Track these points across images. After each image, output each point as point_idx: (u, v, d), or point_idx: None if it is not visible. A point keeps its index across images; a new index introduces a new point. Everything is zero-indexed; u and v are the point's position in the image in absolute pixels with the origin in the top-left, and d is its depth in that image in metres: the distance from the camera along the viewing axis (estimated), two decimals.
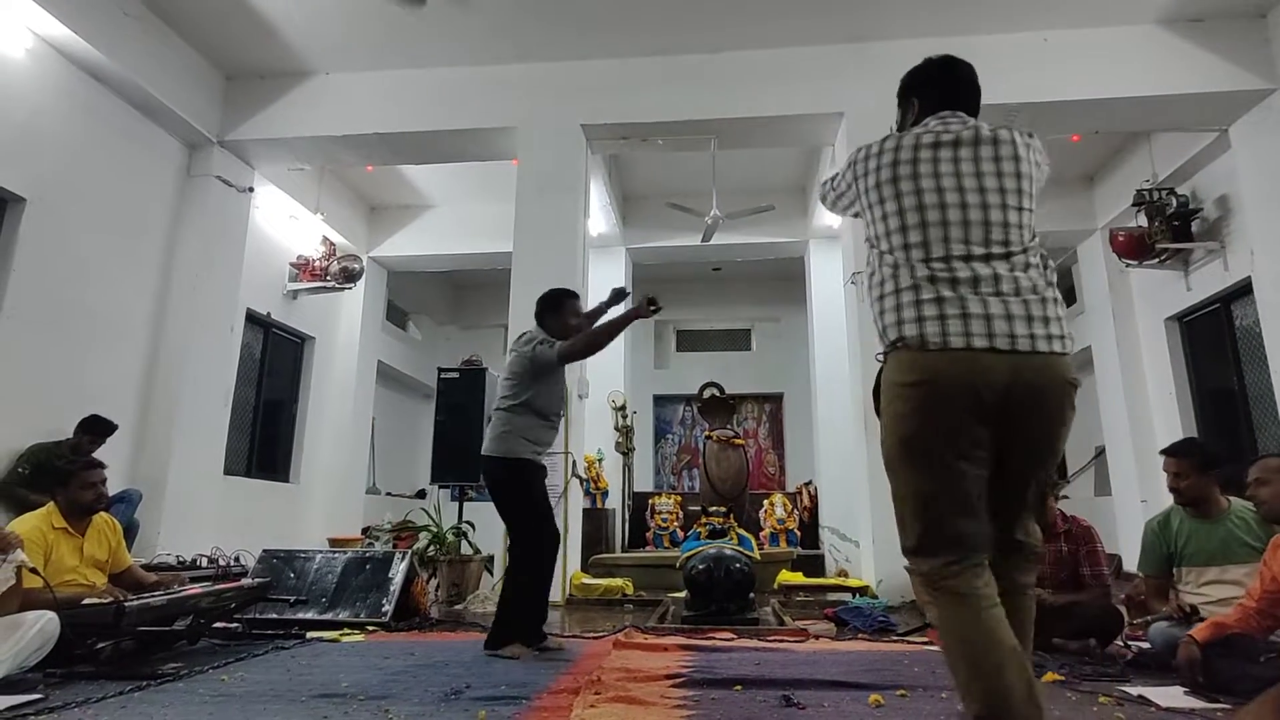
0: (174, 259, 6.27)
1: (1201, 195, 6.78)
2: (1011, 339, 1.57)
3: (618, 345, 9.09)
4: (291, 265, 7.83)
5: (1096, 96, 5.84)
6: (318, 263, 7.88)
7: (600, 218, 8.24)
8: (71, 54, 5.26)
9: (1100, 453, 8.76)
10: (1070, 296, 9.51)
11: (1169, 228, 6.66)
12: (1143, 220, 6.88)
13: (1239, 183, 6.07)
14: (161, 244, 6.20)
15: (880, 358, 1.74)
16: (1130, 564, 4.26)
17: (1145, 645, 3.02)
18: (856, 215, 1.94)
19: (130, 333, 5.88)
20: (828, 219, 8.19)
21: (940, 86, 1.92)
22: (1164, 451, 3.11)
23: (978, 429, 1.59)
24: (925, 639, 3.57)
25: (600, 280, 8.82)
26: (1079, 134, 6.62)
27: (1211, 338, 7.00)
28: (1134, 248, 6.92)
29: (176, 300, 6.19)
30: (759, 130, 6.42)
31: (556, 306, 3.62)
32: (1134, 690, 2.45)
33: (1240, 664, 2.36)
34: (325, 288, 7.90)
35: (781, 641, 3.59)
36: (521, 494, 3.36)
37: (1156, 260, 6.92)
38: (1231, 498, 3.02)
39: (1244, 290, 6.32)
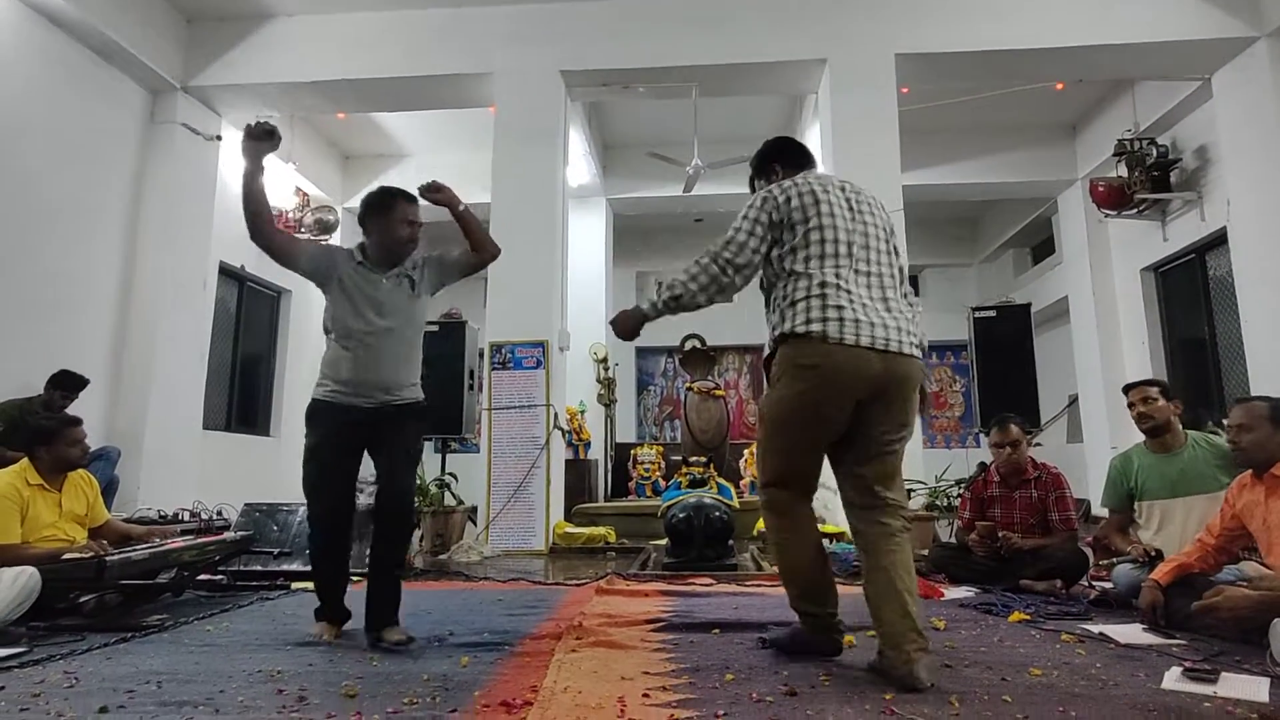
0: (141, 210, 6.10)
1: (1181, 145, 6.79)
2: (886, 342, 2.10)
3: (598, 297, 9.06)
4: None
5: (1082, 43, 5.77)
6: (291, 214, 7.70)
7: (580, 167, 8.10)
8: None
9: (1073, 401, 8.94)
10: (1049, 247, 9.58)
11: (1148, 178, 6.69)
12: (1123, 170, 6.89)
13: (1218, 132, 6.08)
14: (128, 195, 6.03)
15: (774, 343, 2.19)
16: (1099, 509, 4.39)
17: (1109, 585, 3.13)
18: (756, 260, 2.24)
19: (99, 286, 5.75)
20: None
21: (796, 153, 2.51)
22: (1139, 382, 3.31)
23: (849, 404, 2.10)
24: None
25: (581, 231, 8.74)
26: (1063, 82, 6.56)
27: (1186, 288, 7.10)
28: (1113, 198, 6.95)
29: (145, 253, 6.05)
30: (741, 77, 6.30)
31: (378, 209, 2.68)
32: (1095, 628, 2.55)
33: (1195, 602, 2.45)
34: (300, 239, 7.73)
35: (759, 586, 3.68)
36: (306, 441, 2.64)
37: (1135, 211, 6.96)
38: (1189, 431, 3.15)
39: (1219, 241, 6.39)
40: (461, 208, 2.79)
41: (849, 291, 2.13)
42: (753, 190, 2.51)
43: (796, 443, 2.17)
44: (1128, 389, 3.32)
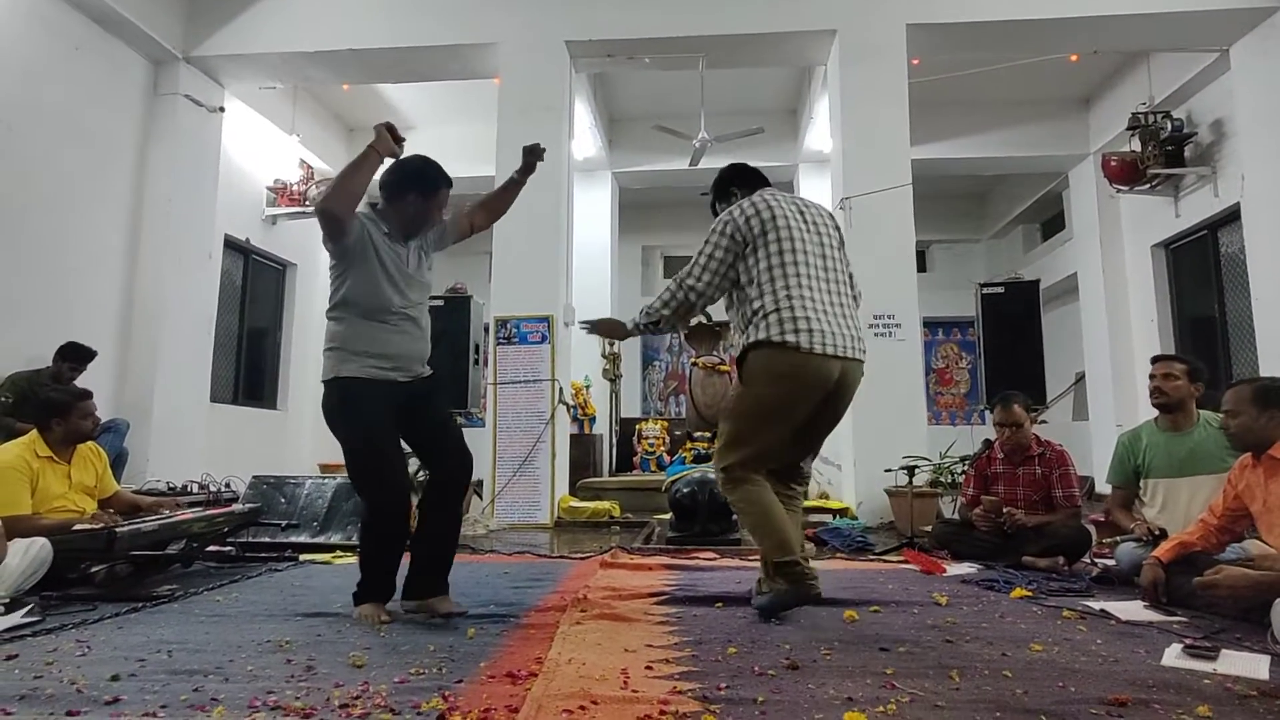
0: (145, 182, 6.08)
1: (1197, 119, 6.68)
2: (842, 349, 2.44)
3: (604, 271, 9.02)
4: (269, 190, 7.62)
5: (1099, 13, 5.65)
6: (295, 187, 7.67)
7: (586, 140, 8.03)
8: None
9: (1080, 379, 8.91)
10: (1059, 223, 9.48)
11: (1162, 152, 6.59)
12: (1136, 145, 6.79)
13: (1235, 105, 5.97)
14: (131, 166, 6.00)
15: (746, 347, 2.47)
16: (1102, 487, 4.40)
17: (1111, 563, 3.14)
18: (723, 282, 2.54)
19: (105, 259, 5.76)
20: (818, 143, 8.02)
21: (751, 176, 2.76)
22: (1168, 357, 3.24)
23: (815, 402, 2.47)
24: (901, 558, 3.69)
25: (586, 204, 8.68)
26: (1077, 53, 6.44)
27: (1196, 265, 7.03)
28: (1126, 173, 6.86)
29: (150, 225, 6.04)
30: (749, 48, 6.20)
31: (421, 190, 2.56)
32: (1096, 605, 2.56)
33: (1196, 579, 2.46)
34: (305, 213, 7.70)
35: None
36: (340, 429, 2.49)
37: (1147, 186, 6.87)
38: (1201, 410, 3.14)
39: (1232, 217, 6.31)
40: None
41: (811, 301, 2.44)
42: (714, 214, 2.76)
43: (769, 435, 2.48)
44: (1154, 360, 3.26)
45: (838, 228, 2.69)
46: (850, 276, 2.66)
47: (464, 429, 6.73)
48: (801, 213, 2.57)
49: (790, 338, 2.37)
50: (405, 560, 2.61)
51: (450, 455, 2.63)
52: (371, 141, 2.43)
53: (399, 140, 2.45)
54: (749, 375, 2.47)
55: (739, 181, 2.76)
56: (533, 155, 2.82)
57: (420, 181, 2.58)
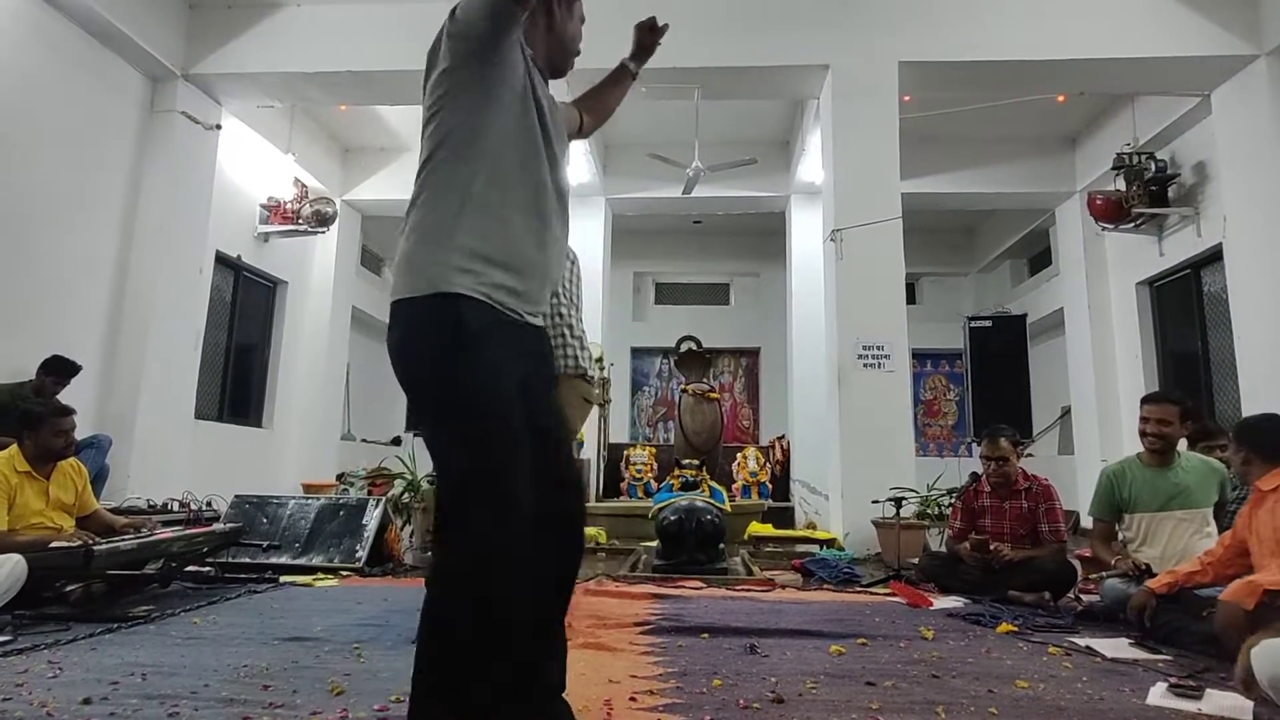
0: (139, 198, 6.06)
1: (1180, 161, 6.81)
2: None
3: (595, 296, 9.03)
4: (262, 207, 7.62)
5: (1085, 56, 5.78)
6: (289, 205, 7.67)
7: (580, 166, 8.09)
8: None
9: (1065, 413, 8.97)
10: (1046, 258, 9.61)
11: (1146, 192, 6.71)
12: (1121, 184, 6.92)
13: (1217, 149, 6.10)
14: (125, 181, 5.99)
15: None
16: (1087, 521, 4.41)
17: (1095, 599, 3.14)
18: None
19: (95, 273, 5.72)
20: (809, 175, 8.12)
21: None
22: (1162, 399, 3.20)
23: None
24: (888, 590, 3.68)
25: (579, 231, 8.72)
26: (1064, 94, 6.59)
27: (1180, 302, 7.13)
28: (1111, 211, 6.98)
29: (142, 240, 6.01)
30: (743, 80, 6.30)
31: None
32: (1082, 641, 2.56)
33: (1183, 619, 2.46)
34: (297, 231, 7.71)
35: (749, 591, 3.68)
36: (445, 392, 1.42)
37: (1132, 225, 6.99)
38: (1180, 450, 3.21)
39: (1214, 257, 6.42)
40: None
41: None
42: None
43: None
44: (1147, 400, 3.25)
45: None
46: None
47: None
48: None
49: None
50: None
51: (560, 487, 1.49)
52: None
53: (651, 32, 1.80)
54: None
55: None
56: (652, 33, 1.94)
57: None
